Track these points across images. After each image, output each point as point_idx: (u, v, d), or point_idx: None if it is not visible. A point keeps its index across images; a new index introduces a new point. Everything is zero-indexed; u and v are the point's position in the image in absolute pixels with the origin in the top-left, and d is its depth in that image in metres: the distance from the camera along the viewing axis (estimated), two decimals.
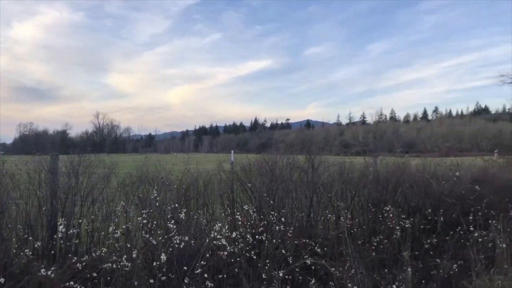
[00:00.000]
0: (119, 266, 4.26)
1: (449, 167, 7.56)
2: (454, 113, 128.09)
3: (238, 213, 5.55)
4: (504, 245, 5.67)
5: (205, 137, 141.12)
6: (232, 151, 7.73)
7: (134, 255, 4.32)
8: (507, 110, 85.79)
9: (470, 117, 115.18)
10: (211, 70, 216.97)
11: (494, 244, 5.79)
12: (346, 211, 6.05)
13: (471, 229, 6.01)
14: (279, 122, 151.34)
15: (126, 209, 5.26)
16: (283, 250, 5.04)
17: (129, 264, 4.28)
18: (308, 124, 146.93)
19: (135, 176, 5.94)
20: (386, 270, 5.22)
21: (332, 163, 7.33)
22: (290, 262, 4.97)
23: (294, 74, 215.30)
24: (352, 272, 4.83)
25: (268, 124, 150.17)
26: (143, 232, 4.76)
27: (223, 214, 5.87)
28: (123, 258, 4.28)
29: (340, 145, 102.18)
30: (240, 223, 5.15)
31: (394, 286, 4.77)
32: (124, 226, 4.85)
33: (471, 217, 6.20)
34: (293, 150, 7.85)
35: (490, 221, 6.15)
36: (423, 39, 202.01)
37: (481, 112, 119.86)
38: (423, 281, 5.15)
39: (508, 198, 6.75)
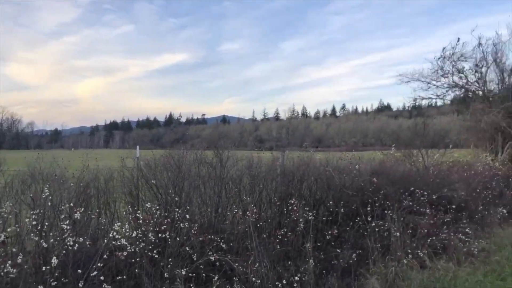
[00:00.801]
0: (2, 273, 3.85)
1: (350, 160, 7.91)
2: (360, 110, 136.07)
3: (139, 211, 5.31)
4: (397, 234, 6.06)
5: (117, 132, 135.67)
6: (138, 146, 7.39)
7: (19, 260, 3.93)
8: (406, 108, 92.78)
9: (374, 114, 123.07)
10: (124, 62, 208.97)
11: (390, 233, 6.17)
12: (253, 205, 6.07)
13: (369, 219, 6.33)
14: (195, 117, 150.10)
15: (15, 210, 4.79)
16: (187, 248, 4.91)
17: (14, 270, 3.89)
18: (224, 119, 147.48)
19: (26, 173, 5.45)
20: (289, 262, 5.32)
21: (240, 157, 7.34)
22: (195, 259, 4.86)
23: (210, 69, 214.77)
24: (256, 266, 4.85)
25: (183, 119, 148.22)
26: (32, 234, 4.36)
27: (124, 213, 5.60)
28: (7, 264, 3.88)
29: (255, 140, 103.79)
30: (141, 221, 4.93)
31: (296, 277, 4.86)
32: (9, 229, 4.41)
33: (369, 208, 6.53)
34: (209, 145, 7.75)
35: (386, 211, 6.54)
36: (333, 38, 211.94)
37: (384, 109, 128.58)
38: (324, 271, 5.33)
39: (402, 189, 7.23)
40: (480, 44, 14.65)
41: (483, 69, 15.01)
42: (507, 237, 7.46)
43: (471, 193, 7.94)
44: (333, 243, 6.08)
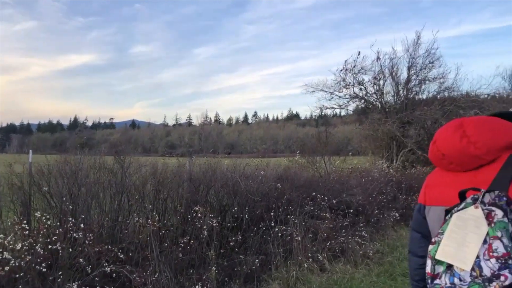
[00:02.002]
0: None
1: (257, 167, 8.01)
2: (271, 118, 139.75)
3: (25, 221, 4.87)
4: (299, 238, 6.23)
5: (15, 136, 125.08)
6: (31, 151, 6.82)
7: None
8: (313, 117, 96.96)
9: (284, 122, 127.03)
10: (24, 61, 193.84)
11: (292, 237, 6.32)
12: (155, 213, 5.87)
13: (273, 224, 6.43)
14: (102, 121, 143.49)
15: None
16: (81, 260, 4.59)
17: None
18: (134, 124, 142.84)
19: None
20: (192, 271, 5.20)
21: (143, 163, 7.09)
22: (89, 271, 4.56)
23: (120, 72, 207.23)
24: (156, 276, 4.67)
25: (89, 123, 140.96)
26: None
27: (10, 223, 5.10)
28: None
29: (166, 146, 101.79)
30: (27, 232, 4.51)
31: (198, 286, 4.77)
32: None
33: (273, 213, 6.64)
34: (115, 150, 7.35)
35: (289, 216, 6.70)
36: (246, 47, 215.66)
37: (293, 117, 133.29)
38: (227, 278, 5.29)
39: (305, 195, 7.46)
40: (378, 58, 15.77)
41: (381, 82, 16.17)
42: (399, 239, 8.03)
43: (368, 197, 8.43)
44: (237, 250, 6.07)
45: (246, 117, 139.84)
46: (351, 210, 7.61)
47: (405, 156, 15.16)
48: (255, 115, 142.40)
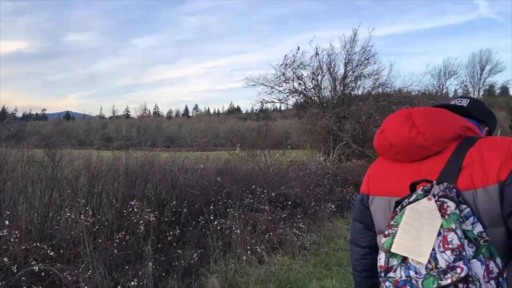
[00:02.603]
0: None
1: (196, 160, 7.93)
2: (212, 111, 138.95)
3: None
4: (238, 231, 6.24)
5: None
6: None
7: None
8: (254, 111, 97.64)
9: (225, 115, 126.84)
10: None
11: (231, 230, 6.32)
12: (88, 208, 5.64)
13: (212, 218, 6.39)
14: (34, 112, 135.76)
15: None
16: (5, 259, 4.31)
17: None
18: (68, 115, 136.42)
19: None
20: (128, 267, 5.05)
21: (77, 156, 6.79)
22: (15, 271, 4.29)
23: (54, 61, 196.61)
24: (89, 273, 4.49)
25: (20, 114, 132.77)
26: None
27: None
28: None
29: (102, 138, 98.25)
30: None
31: (134, 282, 4.64)
32: None
33: (212, 207, 6.60)
34: (48, 142, 6.93)
35: (228, 210, 6.69)
36: (187, 39, 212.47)
37: (235, 111, 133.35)
38: (164, 273, 5.20)
39: (245, 188, 7.49)
40: (317, 54, 16.14)
41: (319, 77, 16.58)
42: (334, 230, 8.29)
43: (306, 190, 8.62)
44: (175, 244, 5.97)
45: (186, 110, 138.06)
46: (290, 203, 7.74)
47: (341, 150, 15.65)
48: (196, 108, 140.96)
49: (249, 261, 5.97)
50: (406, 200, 1.35)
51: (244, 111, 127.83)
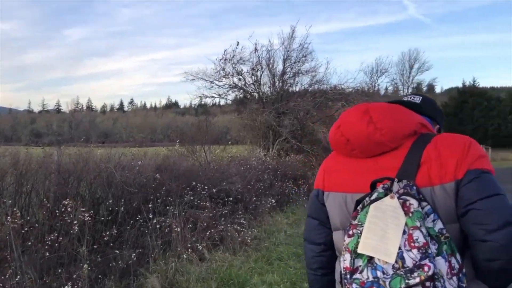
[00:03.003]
0: None
1: (133, 156, 7.67)
2: (148, 105, 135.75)
3: None
4: (178, 229, 6.10)
5: None
6: None
7: None
8: (192, 106, 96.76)
9: (162, 110, 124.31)
10: None
11: (171, 228, 6.17)
12: (16, 208, 5.26)
13: (151, 216, 6.20)
14: None
15: None
16: None
17: None
18: None
19: None
20: (61, 270, 4.77)
21: (3, 153, 6.32)
22: None
23: None
24: (17, 279, 4.18)
25: None
26: None
27: None
28: None
29: (31, 134, 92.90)
30: None
31: (67, 286, 4.39)
32: None
33: (151, 205, 6.41)
34: None
35: (168, 207, 6.53)
36: (122, 31, 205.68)
37: (172, 106, 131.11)
38: (101, 275, 4.97)
39: (185, 184, 7.35)
40: (256, 49, 16.19)
41: (258, 73, 16.65)
42: (275, 224, 8.37)
43: (247, 185, 8.62)
44: (112, 244, 5.73)
45: (121, 104, 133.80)
46: (231, 198, 7.70)
47: (280, 145, 15.85)
48: (131, 102, 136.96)
49: (190, 259, 5.87)
50: (367, 199, 1.32)
51: (182, 106, 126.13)
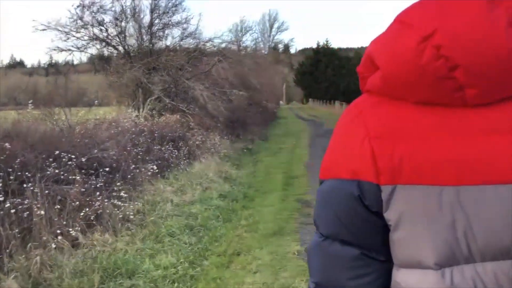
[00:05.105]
0: None
1: None
2: None
3: None
4: (42, 212, 4.81)
5: None
6: None
7: None
8: (42, 65, 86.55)
9: (5, 70, 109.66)
10: None
11: (31, 211, 4.85)
12: None
13: (2, 198, 4.79)
14: None
15: None
16: None
17: None
18: None
19: None
20: None
21: None
22: None
23: None
24: None
25: None
26: None
27: None
28: None
29: None
30: None
31: None
32: None
33: (0, 183, 4.96)
34: None
35: (25, 185, 5.14)
36: None
37: (17, 65, 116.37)
38: None
39: (45, 155, 5.94)
40: None
41: (123, 23, 14.86)
42: (158, 193, 7.37)
43: (122, 151, 7.44)
44: None
45: None
46: (106, 168, 6.49)
47: (152, 104, 14.53)
48: None
49: (60, 247, 4.68)
50: None
51: (29, 65, 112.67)
